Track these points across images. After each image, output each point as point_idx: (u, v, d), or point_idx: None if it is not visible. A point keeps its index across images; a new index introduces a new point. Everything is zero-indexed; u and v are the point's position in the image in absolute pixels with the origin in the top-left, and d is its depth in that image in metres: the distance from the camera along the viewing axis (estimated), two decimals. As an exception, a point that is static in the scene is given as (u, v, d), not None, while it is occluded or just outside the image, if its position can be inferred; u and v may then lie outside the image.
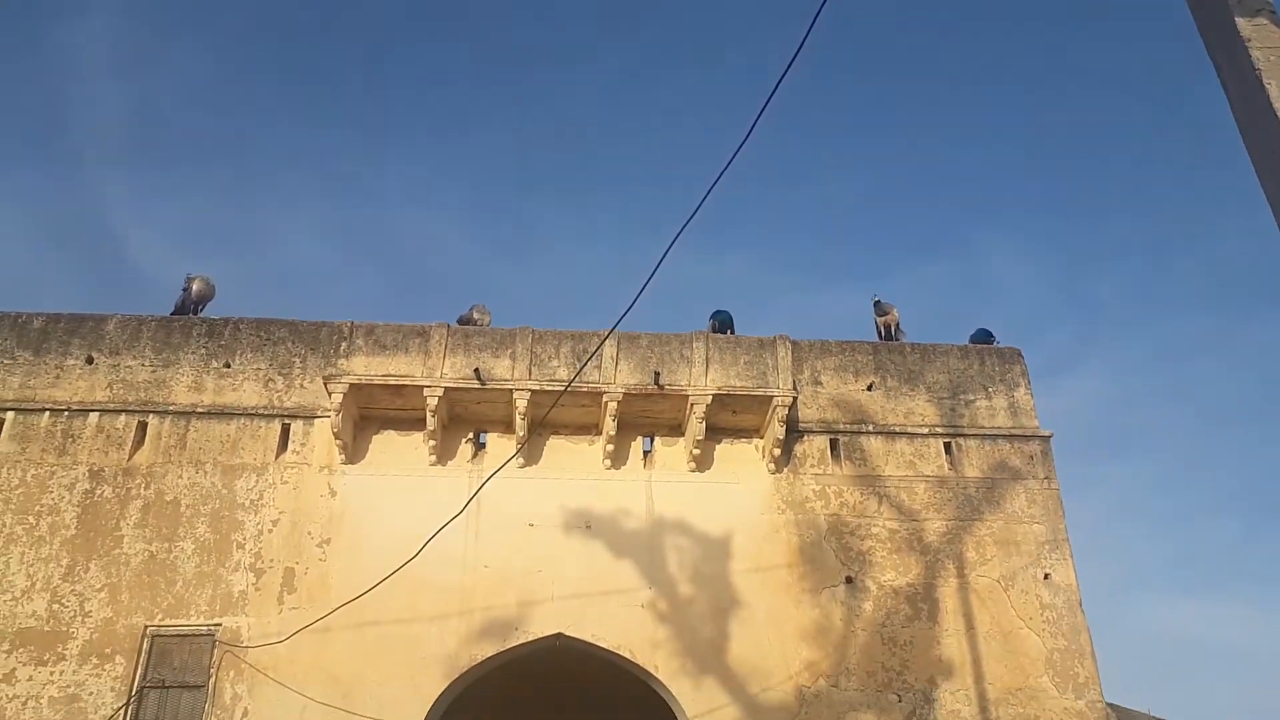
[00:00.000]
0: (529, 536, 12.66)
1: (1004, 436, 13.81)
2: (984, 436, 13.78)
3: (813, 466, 13.39)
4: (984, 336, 14.93)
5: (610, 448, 13.11)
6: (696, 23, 48.52)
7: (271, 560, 12.33)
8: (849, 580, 12.70)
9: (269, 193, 50.31)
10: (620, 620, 12.29)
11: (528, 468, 13.10)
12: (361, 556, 12.27)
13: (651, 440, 13.55)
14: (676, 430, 13.51)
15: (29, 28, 41.51)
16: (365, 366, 12.95)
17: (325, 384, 12.81)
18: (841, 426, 13.68)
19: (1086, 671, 12.35)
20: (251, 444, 13.01)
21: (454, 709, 12.54)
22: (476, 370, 12.99)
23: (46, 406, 13.00)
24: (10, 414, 12.91)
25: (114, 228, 48.01)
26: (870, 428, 13.69)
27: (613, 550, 12.69)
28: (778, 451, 13.16)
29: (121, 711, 11.34)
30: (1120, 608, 43.90)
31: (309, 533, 12.52)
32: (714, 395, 12.98)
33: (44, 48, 42.71)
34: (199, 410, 13.17)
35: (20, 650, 11.54)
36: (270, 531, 12.49)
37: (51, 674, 11.47)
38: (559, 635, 12.24)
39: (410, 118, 51.52)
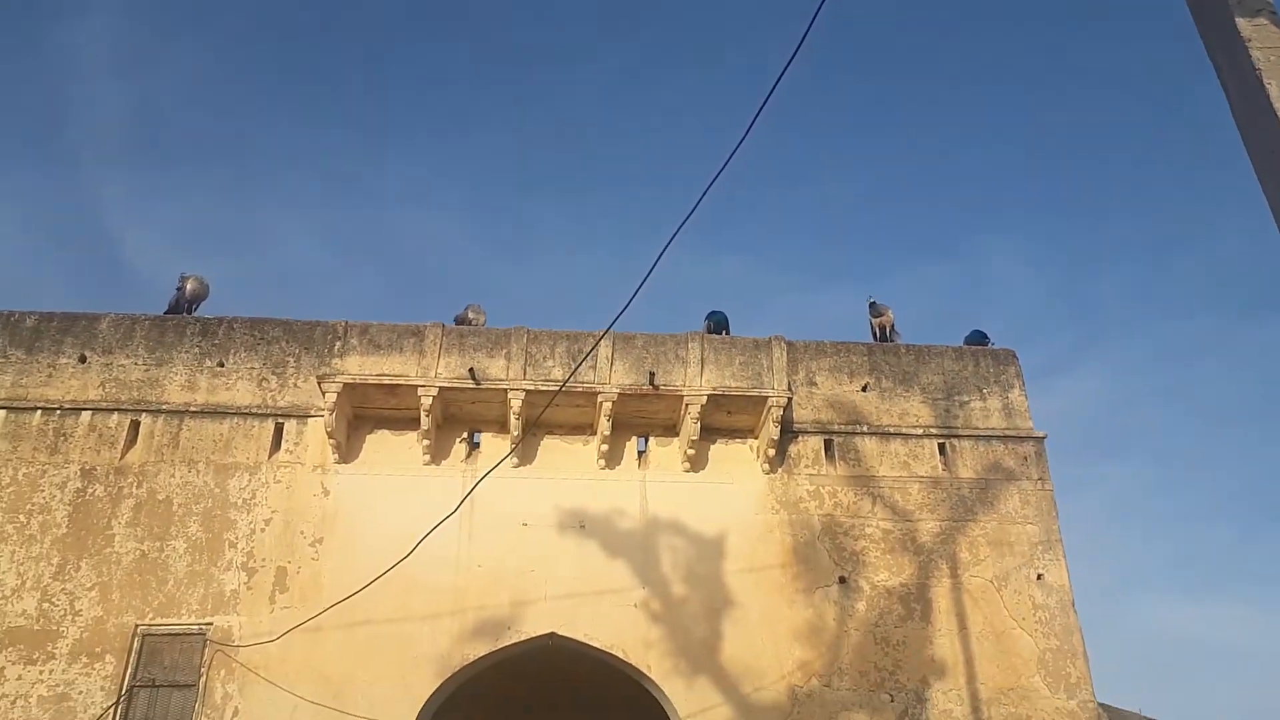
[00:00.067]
0: (523, 536, 12.64)
1: (998, 437, 13.84)
2: (978, 437, 13.81)
3: (807, 467, 13.41)
4: (979, 338, 14.96)
5: (605, 448, 13.10)
6: (696, 23, 48.61)
7: (264, 559, 12.28)
8: (842, 580, 12.71)
9: (268, 193, 50.29)
10: (613, 620, 12.28)
11: (522, 468, 13.08)
12: (354, 556, 12.24)
13: (646, 440, 13.54)
14: (671, 430, 13.51)
15: (29, 27, 41.36)
16: (359, 366, 12.92)
17: (319, 383, 12.77)
18: (836, 427, 13.70)
19: (1078, 672, 12.38)
20: (245, 443, 12.97)
21: (446, 708, 12.51)
22: (471, 370, 12.96)
23: (38, 405, 12.94)
24: (2, 413, 12.84)
25: (112, 228, 47.95)
26: (865, 428, 13.71)
27: (606, 550, 12.68)
28: (772, 452, 13.17)
29: (111, 711, 11.29)
30: (1117, 608, 44.08)
31: (302, 532, 12.48)
32: (709, 396, 12.98)
33: (43, 47, 42.58)
34: (192, 409, 13.12)
35: (9, 649, 11.47)
36: (263, 531, 12.44)
37: (41, 673, 11.41)
38: (552, 635, 12.22)
39: (410, 118, 51.55)
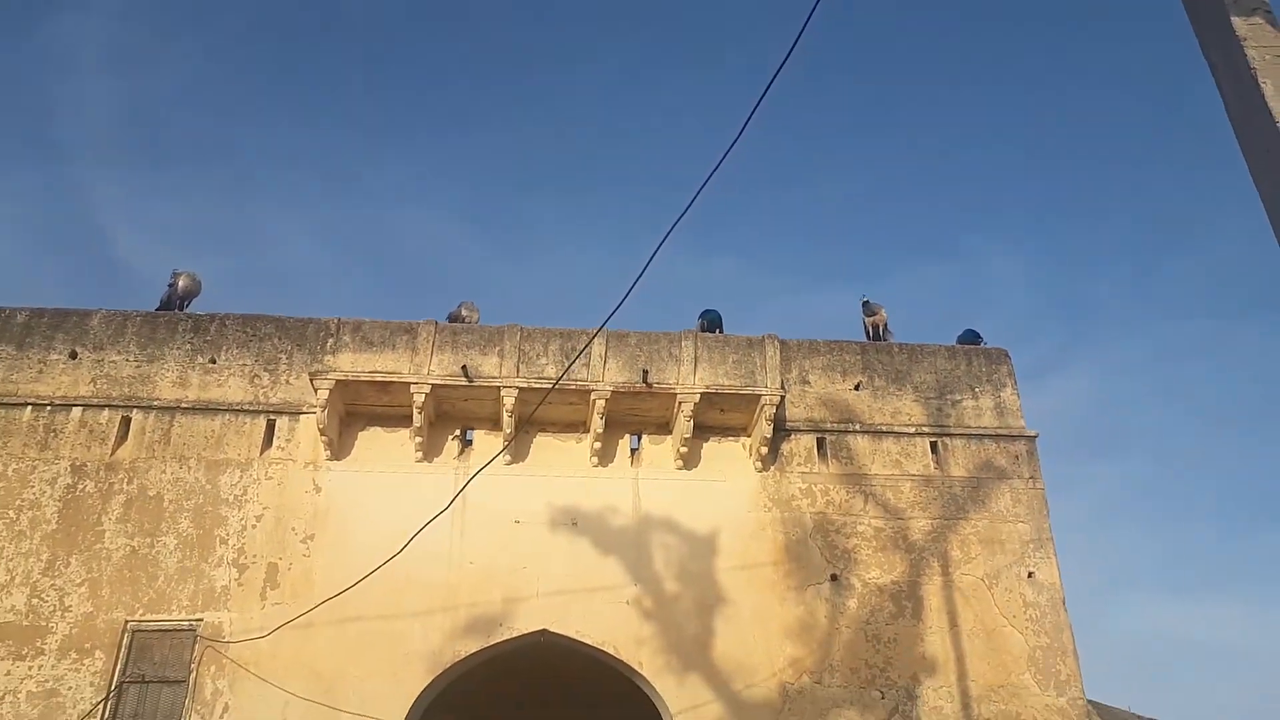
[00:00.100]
0: (515, 533, 12.63)
1: (990, 436, 13.88)
2: (970, 436, 13.85)
3: (799, 465, 13.43)
4: (971, 337, 15.01)
5: (598, 445, 13.10)
6: (696, 23, 48.61)
7: (255, 556, 12.25)
8: (834, 578, 12.73)
9: (265, 191, 50.17)
10: (605, 617, 12.28)
11: (514, 465, 13.07)
12: (346, 553, 12.22)
13: (639, 438, 13.55)
14: (664, 428, 13.52)
15: (24, 24, 41.14)
16: (352, 363, 12.89)
17: (311, 380, 12.74)
18: (828, 425, 13.72)
19: (1068, 669, 12.43)
20: (236, 440, 12.93)
21: (437, 705, 12.50)
22: (464, 367, 12.95)
23: (29, 401, 12.87)
24: (-9, 407, 12.78)
25: (107, 226, 47.71)
26: (857, 427, 13.74)
27: (599, 547, 12.68)
28: (765, 450, 13.19)
29: (100, 707, 11.25)
30: (1107, 607, 44.29)
31: (293, 529, 12.45)
32: (702, 394, 12.99)
33: (38, 44, 42.34)
34: (184, 406, 13.07)
35: (-1, 645, 11.42)
36: (254, 527, 12.41)
37: (30, 669, 11.36)
38: (543, 632, 12.22)
39: (408, 117, 51.52)
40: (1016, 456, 13.78)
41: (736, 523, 12.97)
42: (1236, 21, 4.21)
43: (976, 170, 51.75)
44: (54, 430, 12.74)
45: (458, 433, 13.32)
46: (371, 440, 13.16)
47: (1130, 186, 50.18)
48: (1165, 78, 47.11)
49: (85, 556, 12.03)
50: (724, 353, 13.48)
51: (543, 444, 13.34)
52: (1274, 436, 46.65)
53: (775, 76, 6.00)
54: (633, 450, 13.49)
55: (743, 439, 13.58)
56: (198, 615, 11.86)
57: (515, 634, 12.13)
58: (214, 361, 13.47)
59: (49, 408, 12.87)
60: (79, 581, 11.89)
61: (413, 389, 12.72)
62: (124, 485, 12.50)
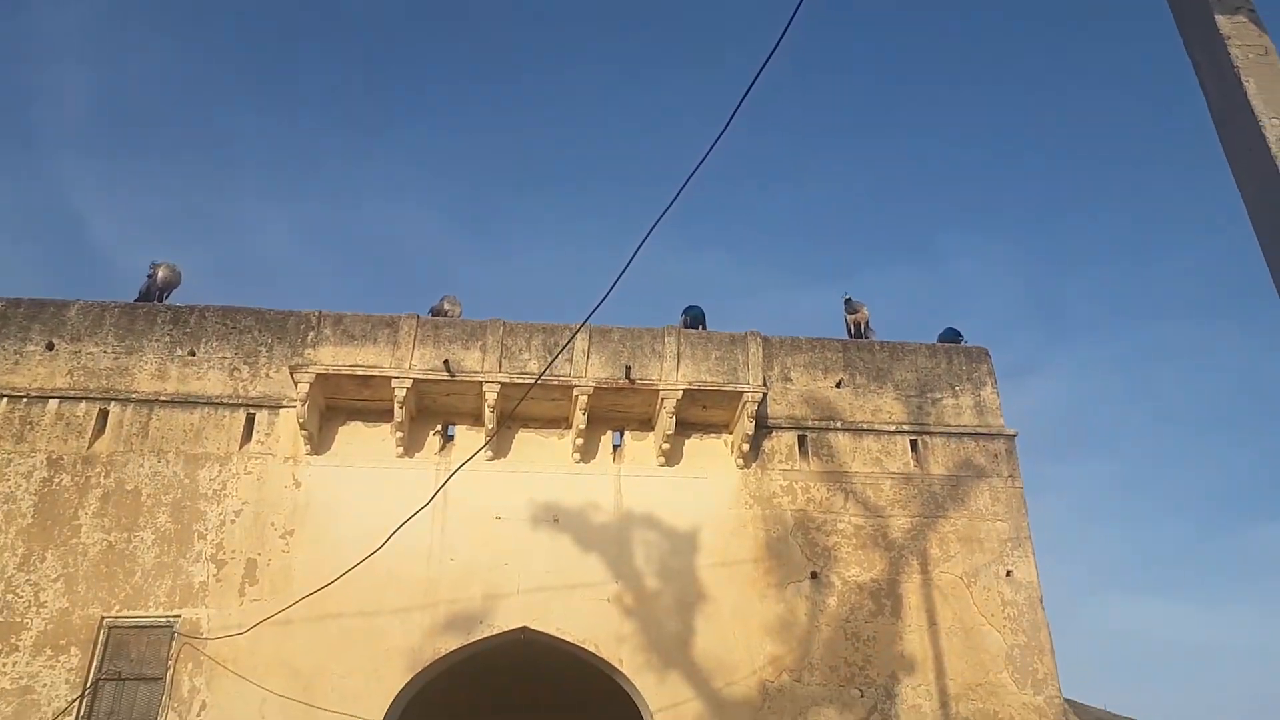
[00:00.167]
0: (496, 530, 12.59)
1: (969, 435, 13.96)
2: (950, 434, 13.92)
3: (781, 462, 13.45)
4: (952, 336, 15.08)
5: (580, 441, 13.08)
6: (696, 23, 48.60)
7: (233, 551, 12.15)
8: (814, 576, 12.77)
9: (248, 184, 49.81)
10: (586, 614, 12.26)
11: (496, 461, 13.03)
12: (325, 548, 12.14)
13: (621, 434, 13.54)
14: (646, 425, 13.52)
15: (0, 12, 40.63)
16: (332, 357, 12.81)
17: (291, 374, 12.65)
18: (810, 423, 13.76)
19: (1045, 668, 12.51)
20: (215, 433, 12.83)
21: (417, 702, 12.45)
22: (446, 362, 12.90)
23: (4, 393, 12.72)
24: (-35, 399, 12.61)
25: (84, 216, 47.22)
26: (838, 424, 13.78)
27: (580, 544, 12.66)
28: (746, 447, 13.20)
29: (76, 704, 11.12)
30: (1083, 606, 44.64)
31: (272, 524, 12.36)
32: (684, 390, 12.99)
33: (14, 31, 41.82)
34: (162, 398, 12.95)
35: (-28, 640, 11.28)
36: (233, 522, 12.31)
37: (4, 665, 11.22)
38: (524, 629, 12.18)
39: (395, 112, 51.24)
40: (996, 455, 13.86)
41: (718, 520, 12.98)
42: (1220, 20, 4.24)
43: (959, 170, 52.14)
44: (30, 423, 12.59)
45: (439, 428, 13.27)
46: (352, 435, 13.08)
47: (1113, 188, 50.64)
48: (1148, 78, 47.62)
49: (61, 551, 11.90)
50: (707, 349, 13.48)
51: (525, 440, 13.31)
52: (1249, 437, 47.21)
53: (760, 72, 6.01)
54: (615, 446, 13.48)
55: (724, 436, 13.59)
56: (175, 611, 11.75)
57: (496, 631, 12.09)
58: (193, 354, 13.35)
59: (25, 400, 12.72)
60: (55, 577, 11.76)
61: (394, 383, 12.66)
62: (101, 479, 12.38)
